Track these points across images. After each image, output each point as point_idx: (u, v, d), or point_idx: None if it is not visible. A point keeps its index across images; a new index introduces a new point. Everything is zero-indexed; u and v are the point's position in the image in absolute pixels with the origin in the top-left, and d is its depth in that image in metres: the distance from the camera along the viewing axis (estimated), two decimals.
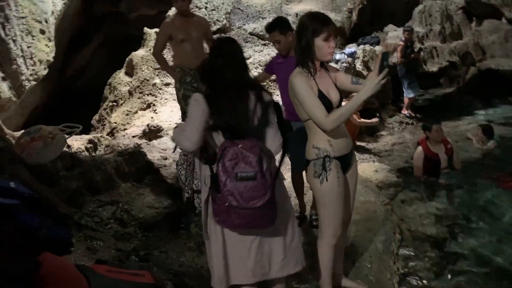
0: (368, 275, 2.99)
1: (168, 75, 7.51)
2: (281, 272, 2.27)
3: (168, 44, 4.49)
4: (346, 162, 2.52)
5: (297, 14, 8.91)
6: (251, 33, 8.55)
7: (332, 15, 9.48)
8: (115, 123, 7.15)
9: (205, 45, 4.51)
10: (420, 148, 5.19)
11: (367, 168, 5.61)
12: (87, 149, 4.81)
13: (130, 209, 3.29)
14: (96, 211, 3.17)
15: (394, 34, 9.52)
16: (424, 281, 3.24)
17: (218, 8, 8.68)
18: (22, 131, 3.59)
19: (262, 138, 2.23)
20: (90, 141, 5.02)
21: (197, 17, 4.61)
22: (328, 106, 2.37)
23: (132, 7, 9.42)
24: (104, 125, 7.71)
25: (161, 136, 5.60)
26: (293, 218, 2.35)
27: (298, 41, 2.36)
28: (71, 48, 9.15)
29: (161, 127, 5.91)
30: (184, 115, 4.44)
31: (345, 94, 2.78)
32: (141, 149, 4.54)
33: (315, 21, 2.31)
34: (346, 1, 10.08)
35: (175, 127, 2.39)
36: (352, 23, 10.11)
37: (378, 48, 8.63)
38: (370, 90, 2.17)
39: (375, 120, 6.69)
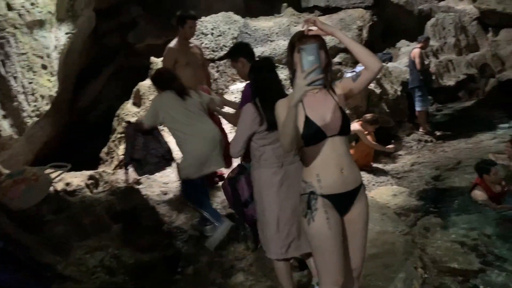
0: None
1: None
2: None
3: None
4: (344, 202, 2.18)
5: None
6: (259, 57, 8.42)
7: None
8: (123, 155, 6.99)
9: None
10: (480, 191, 4.71)
11: (385, 192, 5.26)
12: (87, 185, 4.62)
13: (120, 254, 3.03)
14: (83, 258, 2.92)
15: (407, 49, 9.22)
16: None
17: (224, 34, 8.56)
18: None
19: None
20: (91, 177, 4.83)
21: (193, 43, 4.65)
22: (317, 133, 2.10)
23: (139, 38, 9.40)
24: (113, 157, 7.56)
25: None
26: None
27: (288, 60, 2.18)
28: (83, 80, 9.16)
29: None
30: None
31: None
32: (138, 185, 4.31)
33: (296, 36, 2.13)
34: (356, 19, 9.87)
35: None
36: (363, 41, 9.87)
37: (390, 65, 8.33)
38: (295, 92, 1.92)
39: (391, 147, 6.35)
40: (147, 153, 3.87)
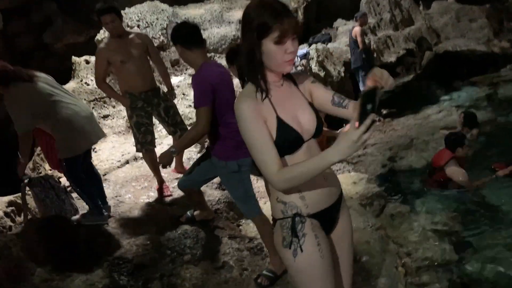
0: None
1: (112, 102, 6.84)
2: None
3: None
4: (330, 218, 1.74)
5: (239, 21, 8.26)
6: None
7: None
8: (51, 170, 6.18)
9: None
10: (457, 167, 4.44)
11: (344, 181, 4.92)
12: (6, 214, 3.89)
13: None
14: None
15: (345, 29, 8.99)
16: None
17: (152, 25, 7.88)
18: None
19: None
20: (10, 203, 4.07)
21: (135, 34, 4.03)
22: (296, 139, 1.63)
23: (57, 37, 8.45)
24: (40, 173, 6.73)
25: None
26: None
27: (243, 43, 1.60)
28: None
29: (100, 171, 5.00)
30: (139, 145, 4.08)
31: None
32: (67, 209, 3.66)
33: (261, 14, 1.51)
34: (289, 0, 9.51)
35: None
36: (299, 23, 9.54)
37: (330, 45, 8.06)
38: (345, 150, 1.37)
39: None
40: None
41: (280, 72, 1.62)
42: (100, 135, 3.76)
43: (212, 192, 4.11)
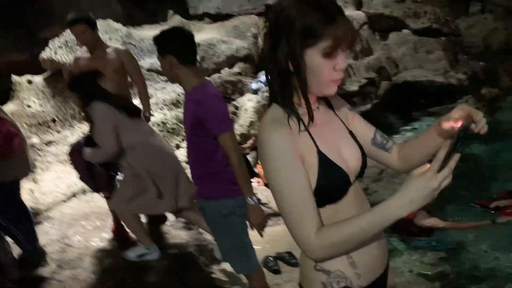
0: None
1: (57, 127, 6.17)
2: None
3: None
4: None
5: (199, 44, 7.86)
6: (149, 69, 7.32)
7: (237, 42, 8.58)
8: None
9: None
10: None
11: None
12: None
13: None
14: None
15: None
16: None
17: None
18: None
19: None
20: None
21: (112, 48, 3.64)
22: (344, 182, 1.22)
23: None
24: None
25: (40, 222, 3.99)
26: None
27: (271, 52, 1.17)
28: None
29: (42, 206, 4.32)
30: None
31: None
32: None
33: (308, 14, 1.08)
34: (250, 26, 9.25)
35: None
36: (259, 49, 9.29)
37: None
38: (419, 200, 1.00)
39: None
40: None
41: (322, 94, 1.21)
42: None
43: (177, 233, 3.58)
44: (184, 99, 2.40)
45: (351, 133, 1.32)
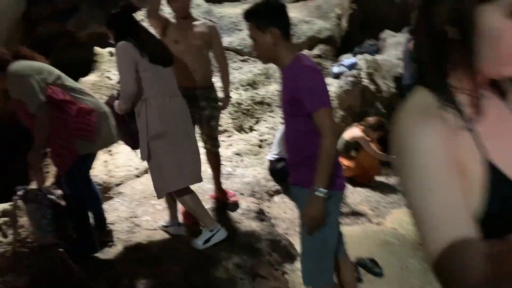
0: None
1: None
2: None
3: None
4: None
5: None
6: (226, 48, 7.15)
7: (320, 23, 8.13)
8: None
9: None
10: None
11: (402, 217, 4.12)
12: None
13: None
14: None
15: (393, 41, 8.18)
16: None
17: None
18: None
19: None
20: (4, 213, 3.34)
21: (202, 22, 3.52)
22: None
23: (81, 25, 7.82)
24: (48, 172, 6.04)
25: (111, 197, 3.92)
26: None
27: (425, 9, 0.83)
28: None
29: (114, 179, 4.26)
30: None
31: None
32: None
33: None
34: (334, 6, 8.75)
35: None
36: (342, 31, 8.77)
37: (379, 57, 7.25)
38: None
39: None
40: None
41: (499, 75, 0.83)
42: (115, 138, 3.17)
43: (249, 223, 3.31)
44: (281, 78, 2.16)
45: None
